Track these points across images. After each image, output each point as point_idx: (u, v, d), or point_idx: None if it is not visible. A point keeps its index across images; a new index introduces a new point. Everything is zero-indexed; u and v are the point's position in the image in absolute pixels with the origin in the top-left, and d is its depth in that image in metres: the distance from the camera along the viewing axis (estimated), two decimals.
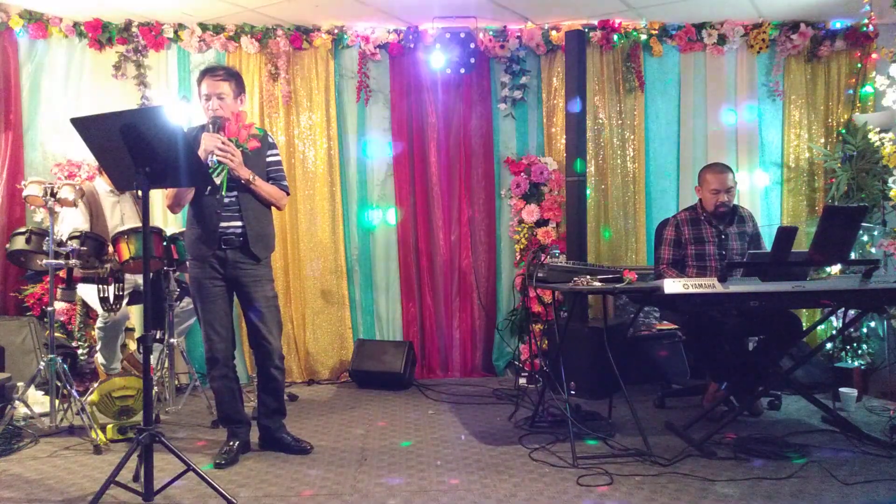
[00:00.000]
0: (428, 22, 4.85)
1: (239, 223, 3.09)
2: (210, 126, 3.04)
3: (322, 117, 4.97)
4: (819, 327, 4.68)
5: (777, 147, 5.08)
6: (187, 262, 3.31)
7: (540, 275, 3.32)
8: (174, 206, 3.14)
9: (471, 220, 5.08)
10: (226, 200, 3.07)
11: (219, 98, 3.07)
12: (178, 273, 4.03)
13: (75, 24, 4.70)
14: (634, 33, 4.98)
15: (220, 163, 2.96)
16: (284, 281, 4.92)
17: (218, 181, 2.98)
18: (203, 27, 4.81)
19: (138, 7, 4.56)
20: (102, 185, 4.17)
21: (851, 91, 4.95)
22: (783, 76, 5.03)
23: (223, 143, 2.96)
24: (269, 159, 3.22)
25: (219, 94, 3.06)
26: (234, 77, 3.14)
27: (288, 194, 3.30)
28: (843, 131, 4.82)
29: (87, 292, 4.01)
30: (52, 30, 4.68)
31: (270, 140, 3.27)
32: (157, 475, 2.61)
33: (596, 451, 3.19)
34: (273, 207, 3.25)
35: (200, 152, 2.90)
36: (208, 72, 3.12)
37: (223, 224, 3.08)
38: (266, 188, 3.14)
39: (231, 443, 3.15)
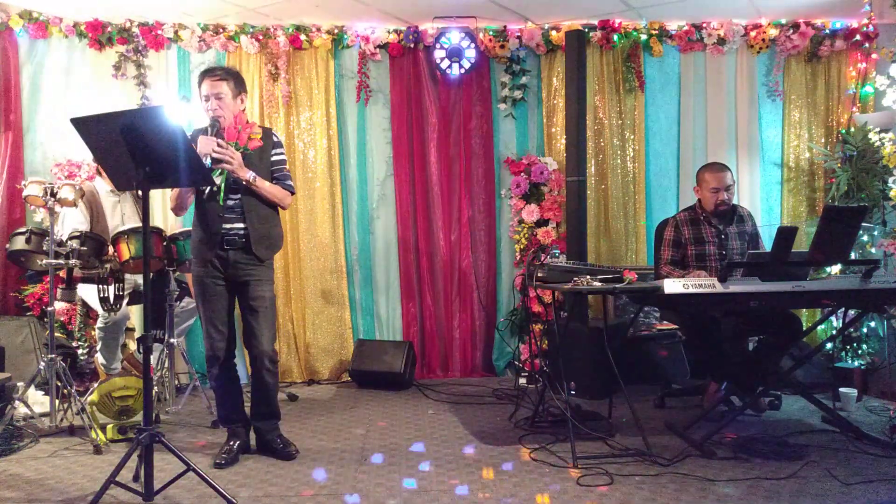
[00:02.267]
0: (428, 22, 4.86)
1: (241, 224, 3.09)
2: (208, 128, 3.05)
3: (322, 117, 4.97)
4: (819, 327, 4.68)
5: (777, 147, 5.09)
6: (189, 262, 3.31)
7: (540, 275, 3.32)
8: (177, 209, 3.16)
9: (471, 220, 5.08)
10: (230, 203, 3.07)
11: (217, 98, 3.08)
12: (178, 273, 4.03)
13: (75, 25, 4.70)
14: (634, 33, 4.98)
15: (213, 165, 2.95)
16: (284, 281, 4.92)
17: (217, 181, 2.98)
18: (203, 27, 4.81)
19: (138, 7, 4.56)
20: (103, 185, 4.16)
21: (851, 91, 4.95)
22: (783, 76, 5.04)
23: (220, 146, 2.97)
24: (273, 158, 3.21)
25: (217, 94, 3.07)
26: (233, 76, 3.15)
27: (293, 193, 3.29)
28: (843, 131, 4.82)
29: (87, 292, 4.01)
30: (52, 30, 4.68)
31: (275, 139, 3.26)
32: (157, 475, 2.61)
33: (596, 451, 3.19)
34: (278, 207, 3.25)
35: None
36: (207, 73, 3.14)
37: (226, 226, 3.08)
38: (268, 188, 3.14)
39: (231, 443, 3.15)
